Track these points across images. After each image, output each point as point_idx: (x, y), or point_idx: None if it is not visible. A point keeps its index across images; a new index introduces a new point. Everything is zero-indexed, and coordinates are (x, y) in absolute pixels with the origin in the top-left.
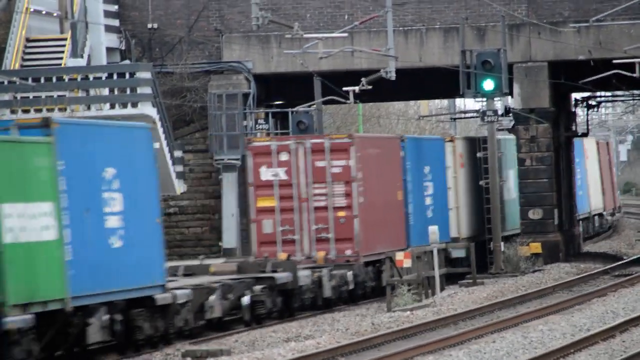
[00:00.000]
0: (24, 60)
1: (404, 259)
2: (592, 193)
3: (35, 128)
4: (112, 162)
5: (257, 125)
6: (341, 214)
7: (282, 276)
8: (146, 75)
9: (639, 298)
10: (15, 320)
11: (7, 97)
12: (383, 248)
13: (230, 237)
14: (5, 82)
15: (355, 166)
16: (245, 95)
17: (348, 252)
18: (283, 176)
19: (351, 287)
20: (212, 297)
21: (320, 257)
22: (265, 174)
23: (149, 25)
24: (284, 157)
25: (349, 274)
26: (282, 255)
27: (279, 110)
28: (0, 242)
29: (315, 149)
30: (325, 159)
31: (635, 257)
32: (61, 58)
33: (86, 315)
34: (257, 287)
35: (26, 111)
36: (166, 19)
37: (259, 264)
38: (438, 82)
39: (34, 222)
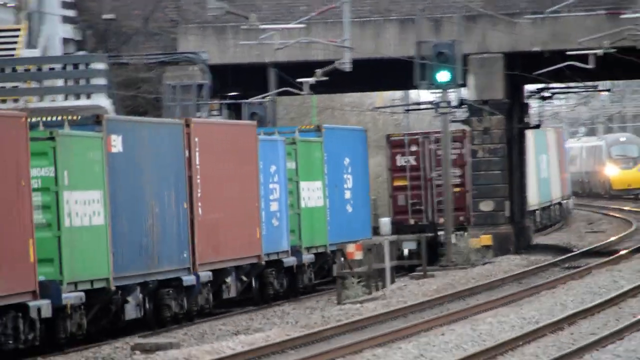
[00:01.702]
0: None
1: (355, 251)
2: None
3: (309, 132)
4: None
5: (210, 117)
6: (457, 189)
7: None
8: (100, 66)
9: (587, 290)
10: (70, 296)
11: None
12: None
13: None
14: None
15: (467, 153)
16: (200, 86)
17: (461, 218)
18: (413, 162)
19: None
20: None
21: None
22: (400, 160)
23: (105, 16)
24: (413, 147)
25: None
26: (411, 221)
27: (232, 101)
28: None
29: (437, 140)
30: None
31: (584, 249)
32: (15, 49)
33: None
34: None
35: None
36: (122, 9)
37: None
38: (393, 74)
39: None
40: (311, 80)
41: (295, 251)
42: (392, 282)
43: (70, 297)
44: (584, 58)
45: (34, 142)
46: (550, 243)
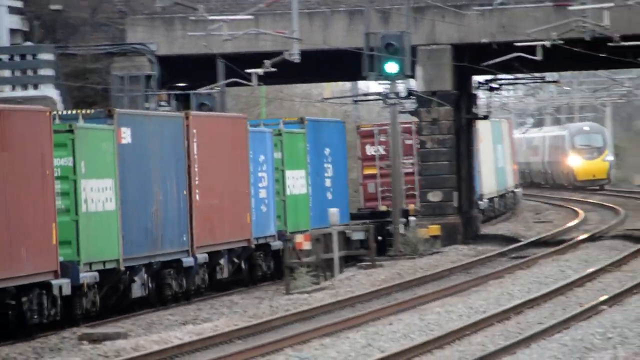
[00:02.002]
0: None
1: (303, 241)
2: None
3: (293, 123)
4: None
5: (159, 108)
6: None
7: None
8: (48, 57)
9: (534, 280)
10: (86, 276)
11: None
12: None
13: None
14: None
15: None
16: (148, 77)
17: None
18: (382, 152)
19: None
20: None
21: (411, 208)
22: (369, 150)
23: (53, 7)
24: (382, 137)
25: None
26: (383, 207)
27: (181, 92)
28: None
29: (405, 131)
30: (411, 138)
31: (532, 239)
32: None
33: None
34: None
35: None
36: (70, 0)
37: None
38: (342, 65)
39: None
40: (260, 71)
41: (282, 235)
42: (341, 272)
43: (87, 276)
44: (531, 49)
45: (55, 135)
46: (498, 233)
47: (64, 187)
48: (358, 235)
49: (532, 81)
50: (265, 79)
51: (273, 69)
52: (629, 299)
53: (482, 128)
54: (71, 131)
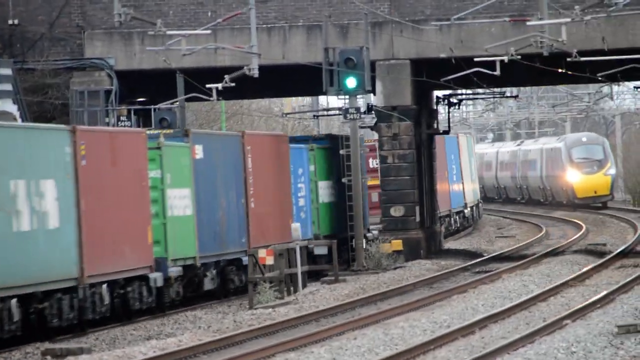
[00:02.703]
0: None
1: (266, 256)
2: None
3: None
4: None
5: (119, 123)
6: None
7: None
8: (6, 71)
9: (498, 295)
10: (173, 270)
11: None
12: None
13: None
14: None
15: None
16: (108, 92)
17: None
18: None
19: None
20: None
21: None
22: (372, 163)
23: (10, 21)
24: None
25: None
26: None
27: (141, 107)
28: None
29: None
30: None
31: (495, 254)
32: None
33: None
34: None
35: None
36: (27, 14)
37: None
38: (301, 80)
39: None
40: (219, 86)
41: (317, 238)
42: (304, 286)
43: (173, 271)
44: (490, 64)
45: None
46: (461, 248)
47: (154, 196)
48: (321, 250)
49: (491, 96)
50: (225, 94)
51: (232, 84)
52: (591, 314)
53: (462, 142)
54: (159, 148)
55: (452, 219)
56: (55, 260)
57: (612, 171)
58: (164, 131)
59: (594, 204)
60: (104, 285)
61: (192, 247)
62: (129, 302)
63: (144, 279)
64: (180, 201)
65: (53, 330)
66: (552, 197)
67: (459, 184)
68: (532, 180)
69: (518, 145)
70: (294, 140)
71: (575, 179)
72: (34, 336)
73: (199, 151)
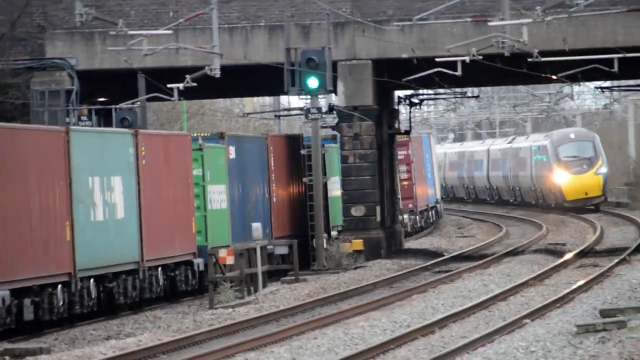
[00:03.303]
0: None
1: (227, 256)
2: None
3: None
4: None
5: (80, 123)
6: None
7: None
8: None
9: (458, 294)
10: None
11: None
12: None
13: None
14: None
15: (412, 153)
16: (69, 92)
17: (410, 205)
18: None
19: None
20: None
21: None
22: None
23: None
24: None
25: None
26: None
27: (102, 107)
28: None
29: (401, 144)
30: (407, 150)
31: (455, 253)
32: None
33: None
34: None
35: None
36: None
37: None
38: (263, 80)
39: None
40: (180, 86)
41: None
42: (264, 286)
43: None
44: (451, 65)
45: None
46: (421, 247)
47: (197, 191)
48: (281, 250)
49: (452, 96)
50: (187, 94)
51: (194, 84)
52: (551, 313)
53: (432, 141)
54: (201, 149)
55: (429, 212)
56: (122, 246)
57: (604, 170)
58: (203, 134)
59: (587, 207)
60: (159, 269)
61: (226, 237)
62: (176, 284)
63: (189, 263)
64: (217, 196)
65: (119, 307)
66: (542, 199)
67: (433, 181)
68: (523, 180)
69: (509, 142)
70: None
71: (564, 179)
72: (104, 312)
73: (232, 152)
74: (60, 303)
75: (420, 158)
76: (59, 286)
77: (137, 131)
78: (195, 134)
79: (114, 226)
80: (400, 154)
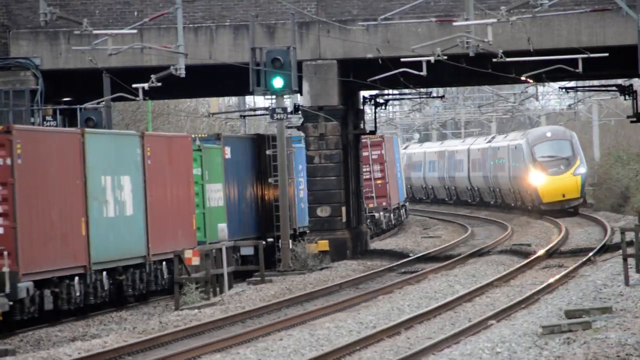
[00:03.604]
0: None
1: (192, 257)
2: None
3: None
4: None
5: (45, 123)
6: (379, 181)
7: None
8: None
9: (424, 295)
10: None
11: None
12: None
13: None
14: None
15: (385, 153)
16: (33, 92)
17: (384, 203)
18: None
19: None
20: None
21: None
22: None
23: None
24: (375, 149)
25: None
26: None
27: (67, 107)
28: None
29: (374, 144)
30: (380, 150)
31: (420, 254)
32: None
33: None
34: None
35: None
36: None
37: None
38: (228, 80)
39: (215, 194)
40: (145, 85)
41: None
42: (230, 287)
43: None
44: (417, 65)
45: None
46: (387, 248)
47: (196, 189)
48: (247, 251)
49: (417, 96)
50: (152, 94)
51: (159, 84)
52: (516, 314)
53: (399, 142)
54: (200, 150)
55: (400, 210)
56: (130, 241)
57: (582, 170)
58: (201, 135)
59: (565, 209)
60: (164, 263)
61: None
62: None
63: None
64: (215, 194)
65: (126, 298)
66: (521, 201)
67: (401, 180)
68: (502, 181)
69: (489, 142)
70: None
71: (540, 181)
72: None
73: (228, 152)
74: (77, 294)
75: (392, 158)
76: (76, 278)
77: (144, 133)
78: (193, 135)
79: (124, 222)
80: (374, 153)
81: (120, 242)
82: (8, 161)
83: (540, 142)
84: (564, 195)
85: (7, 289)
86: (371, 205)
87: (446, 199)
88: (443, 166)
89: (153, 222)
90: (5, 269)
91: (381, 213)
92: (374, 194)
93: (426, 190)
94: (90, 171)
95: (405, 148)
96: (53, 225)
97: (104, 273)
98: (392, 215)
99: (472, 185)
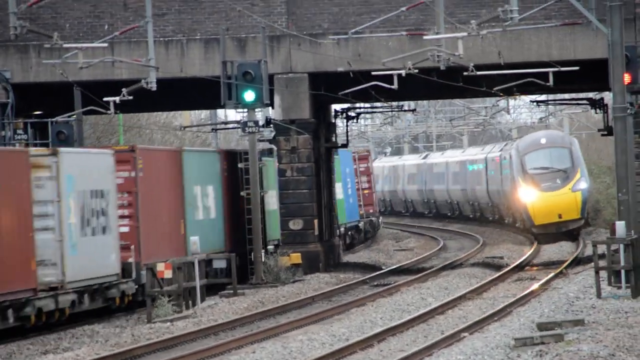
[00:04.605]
0: None
1: (164, 270)
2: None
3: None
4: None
5: (15, 136)
6: (366, 191)
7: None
8: None
9: (396, 308)
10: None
11: None
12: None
13: None
14: None
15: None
16: (4, 105)
17: (371, 210)
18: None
19: None
20: None
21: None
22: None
23: None
24: (362, 163)
25: None
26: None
27: (38, 120)
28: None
29: (361, 158)
30: (367, 162)
31: (393, 267)
32: None
33: None
34: None
35: None
36: None
37: None
38: (200, 93)
39: (271, 199)
40: (117, 99)
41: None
42: (203, 300)
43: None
44: (388, 78)
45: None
46: (359, 261)
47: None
48: (220, 264)
49: (389, 110)
50: (123, 107)
51: (130, 97)
52: (489, 326)
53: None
54: (263, 163)
55: (374, 219)
56: (214, 240)
57: (583, 185)
58: (266, 149)
59: (562, 233)
60: (237, 257)
61: (278, 231)
62: (247, 269)
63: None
64: (271, 199)
65: (217, 287)
66: (509, 217)
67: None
68: (480, 195)
69: (463, 152)
70: None
71: (531, 198)
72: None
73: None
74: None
75: (373, 170)
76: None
77: (221, 150)
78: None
79: (209, 224)
80: (362, 166)
81: (207, 240)
82: (132, 174)
83: (533, 150)
84: (560, 216)
85: (134, 276)
86: (361, 213)
87: (425, 213)
88: (422, 179)
89: (228, 224)
90: (132, 260)
91: (366, 219)
92: (362, 203)
93: (405, 203)
94: (187, 182)
95: (383, 160)
96: (163, 225)
97: (196, 263)
98: (374, 219)
99: (451, 198)
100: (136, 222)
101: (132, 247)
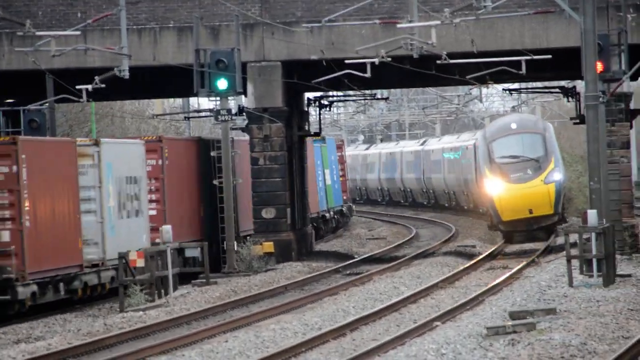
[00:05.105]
0: None
1: (137, 259)
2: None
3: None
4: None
5: None
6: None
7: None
8: None
9: (369, 296)
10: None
11: None
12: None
13: None
14: None
15: None
16: None
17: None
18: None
19: None
20: None
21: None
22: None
23: None
24: (338, 152)
25: None
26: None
27: (10, 108)
28: (327, 184)
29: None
30: (342, 152)
31: (365, 255)
32: None
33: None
34: None
35: None
36: None
37: None
38: (172, 81)
39: (324, 176)
40: (89, 87)
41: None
42: (175, 289)
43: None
44: (361, 67)
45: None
46: (332, 250)
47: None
48: (192, 252)
49: (362, 98)
50: (95, 95)
51: (103, 85)
52: (461, 315)
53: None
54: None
55: (352, 204)
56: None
57: (558, 176)
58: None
59: (534, 230)
60: (210, 245)
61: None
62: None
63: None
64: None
65: (190, 275)
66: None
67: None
68: (472, 185)
69: (458, 138)
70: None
71: (498, 190)
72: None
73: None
74: (200, 259)
75: (346, 158)
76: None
77: (233, 140)
78: (315, 139)
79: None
80: (337, 154)
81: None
82: (159, 162)
83: (502, 136)
84: (531, 211)
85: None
86: (344, 198)
87: (425, 203)
88: (420, 167)
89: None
90: (159, 240)
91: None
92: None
93: (404, 193)
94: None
95: (355, 149)
96: (186, 209)
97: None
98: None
99: (448, 187)
100: (163, 205)
101: (162, 228)
